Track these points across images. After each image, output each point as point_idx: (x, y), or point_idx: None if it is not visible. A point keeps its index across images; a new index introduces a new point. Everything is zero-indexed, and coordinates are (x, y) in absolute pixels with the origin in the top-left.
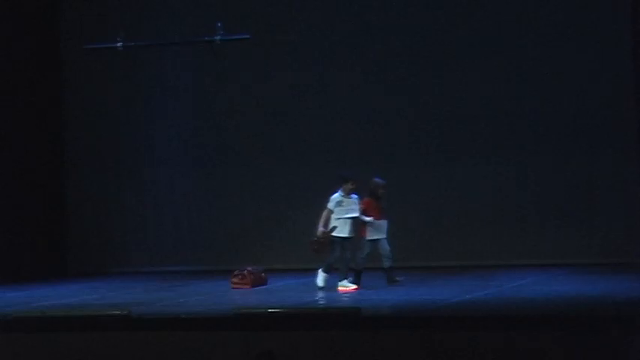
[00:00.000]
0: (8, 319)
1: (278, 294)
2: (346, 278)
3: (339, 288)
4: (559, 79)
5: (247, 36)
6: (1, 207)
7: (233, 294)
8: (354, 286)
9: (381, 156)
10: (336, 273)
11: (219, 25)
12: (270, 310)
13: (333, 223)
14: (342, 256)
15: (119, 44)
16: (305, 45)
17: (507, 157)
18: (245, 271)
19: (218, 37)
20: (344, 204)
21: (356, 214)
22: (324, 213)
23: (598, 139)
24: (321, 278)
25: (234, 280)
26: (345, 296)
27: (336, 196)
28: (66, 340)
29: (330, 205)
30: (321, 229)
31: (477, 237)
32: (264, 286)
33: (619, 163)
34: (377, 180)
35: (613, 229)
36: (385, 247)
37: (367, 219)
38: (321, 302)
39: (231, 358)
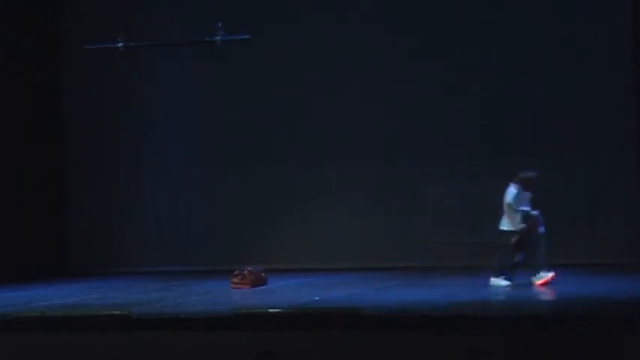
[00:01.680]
0: (8, 319)
1: (278, 294)
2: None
3: (537, 282)
4: (558, 79)
5: (248, 36)
6: (2, 207)
7: (233, 294)
8: (551, 274)
9: (382, 156)
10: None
11: (219, 25)
12: (270, 310)
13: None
14: (530, 251)
15: (119, 44)
16: (305, 45)
17: (507, 158)
18: (245, 271)
19: (218, 37)
20: (520, 196)
21: (527, 208)
22: (507, 209)
23: (598, 139)
24: (501, 282)
25: (234, 280)
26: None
27: (513, 190)
28: (66, 340)
29: (510, 198)
30: (519, 225)
31: (477, 237)
32: (264, 286)
33: (619, 163)
34: (532, 173)
35: (613, 229)
36: None
37: (535, 212)
38: (321, 302)
39: (231, 358)
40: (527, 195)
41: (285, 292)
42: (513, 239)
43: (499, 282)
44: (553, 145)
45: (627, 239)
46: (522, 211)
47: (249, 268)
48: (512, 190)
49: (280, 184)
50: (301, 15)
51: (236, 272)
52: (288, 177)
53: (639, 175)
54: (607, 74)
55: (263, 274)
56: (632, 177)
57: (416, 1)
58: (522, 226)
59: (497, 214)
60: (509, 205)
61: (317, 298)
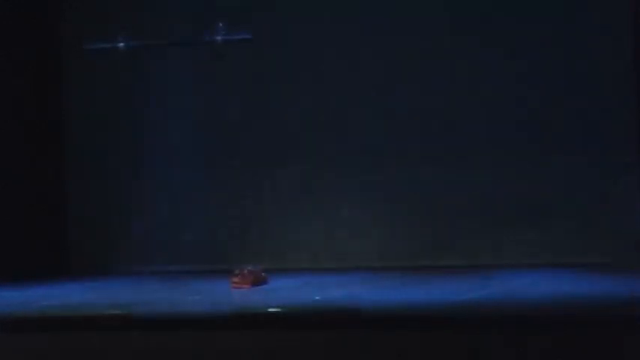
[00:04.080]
0: (8, 319)
1: (278, 294)
2: None
3: None
4: (558, 78)
5: (248, 36)
6: (1, 207)
7: (233, 294)
8: None
9: (381, 155)
10: None
11: (219, 25)
12: (270, 310)
13: None
14: None
15: (120, 44)
16: (306, 45)
17: (507, 157)
18: (245, 271)
19: (219, 37)
20: None
21: None
22: None
23: (598, 139)
24: None
25: (234, 280)
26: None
27: None
28: (66, 340)
29: None
30: None
31: (477, 237)
32: (264, 286)
33: (619, 163)
34: None
35: (612, 229)
36: None
37: None
38: (321, 302)
39: (231, 358)
40: None
41: (285, 292)
42: None
43: None
44: (552, 145)
45: (627, 239)
46: None
47: (249, 268)
48: None
49: (280, 184)
50: (302, 15)
51: (236, 272)
52: (288, 177)
53: (639, 175)
54: (607, 74)
55: (263, 274)
56: (632, 177)
57: (417, 3)
58: None
59: (497, 213)
60: None
61: (317, 298)
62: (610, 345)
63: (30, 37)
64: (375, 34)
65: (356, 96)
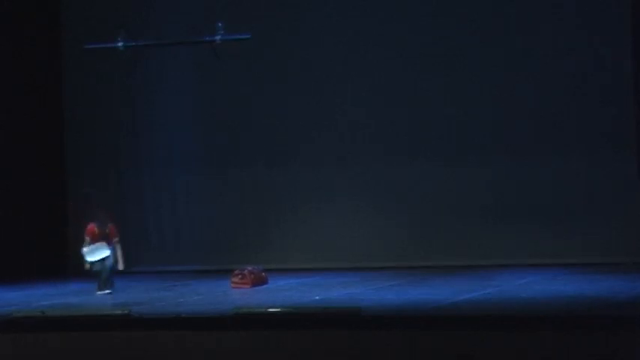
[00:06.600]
0: (8, 319)
1: (278, 294)
2: None
3: None
4: (558, 78)
5: (248, 36)
6: (1, 207)
7: (233, 294)
8: None
9: (381, 155)
10: None
11: (219, 25)
12: (270, 310)
13: None
14: None
15: (120, 44)
16: (305, 46)
17: (507, 157)
18: (245, 271)
19: (218, 37)
20: None
21: None
22: None
23: (598, 139)
24: None
25: (234, 280)
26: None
27: None
28: (66, 340)
29: None
30: None
31: (477, 237)
32: (264, 286)
33: (619, 163)
34: None
35: (613, 229)
36: None
37: None
38: (321, 302)
39: (231, 358)
40: None
41: (285, 292)
42: None
43: None
44: (553, 145)
45: (627, 239)
46: None
47: (249, 268)
48: None
49: (280, 184)
50: (301, 15)
51: (236, 272)
52: (288, 177)
53: (639, 175)
54: (607, 73)
55: (263, 274)
56: (631, 177)
57: (416, 2)
58: None
59: (497, 213)
60: None
61: (317, 297)
62: (610, 345)
63: (30, 37)
64: (373, 33)
65: (357, 96)
